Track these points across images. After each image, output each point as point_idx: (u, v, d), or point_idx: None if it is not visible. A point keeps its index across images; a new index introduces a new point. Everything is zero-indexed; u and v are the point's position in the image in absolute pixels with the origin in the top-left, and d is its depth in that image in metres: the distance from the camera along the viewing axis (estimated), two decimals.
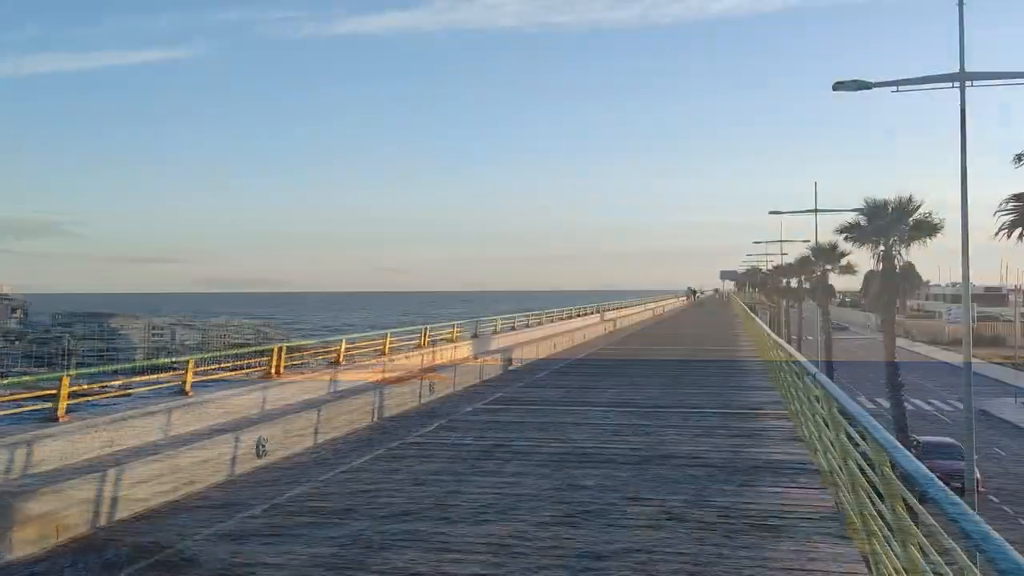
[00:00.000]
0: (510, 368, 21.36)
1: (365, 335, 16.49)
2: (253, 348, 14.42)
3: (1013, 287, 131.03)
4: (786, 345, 12.12)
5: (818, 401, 8.98)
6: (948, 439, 40.21)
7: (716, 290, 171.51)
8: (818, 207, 48.43)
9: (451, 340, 19.44)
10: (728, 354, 26.01)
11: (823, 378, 8.39)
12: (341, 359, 13.64)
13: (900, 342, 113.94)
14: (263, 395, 11.04)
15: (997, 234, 18.82)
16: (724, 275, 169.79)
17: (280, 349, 12.01)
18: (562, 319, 33.48)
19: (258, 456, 9.79)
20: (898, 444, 4.66)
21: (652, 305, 72.97)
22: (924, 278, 49.35)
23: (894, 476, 4.88)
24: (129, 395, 9.87)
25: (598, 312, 44.43)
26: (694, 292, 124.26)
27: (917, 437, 36.79)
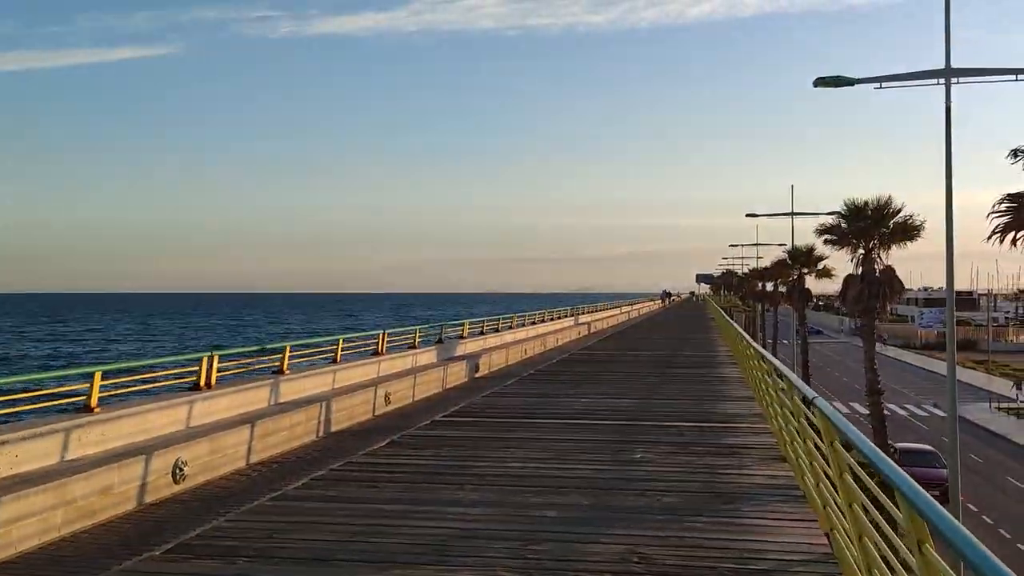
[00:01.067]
0: (477, 375, 20.25)
1: (313, 340, 15.30)
2: (183, 356, 13.09)
3: (986, 291, 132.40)
4: (774, 360, 11.09)
5: (798, 418, 8.00)
6: (927, 446, 39.63)
7: (692, 293, 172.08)
8: (795, 210, 47.87)
9: (412, 346, 18.29)
10: (705, 361, 25.07)
11: (827, 408, 7.39)
12: (286, 368, 12.44)
13: (863, 343, 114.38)
14: (188, 410, 9.82)
15: (990, 238, 18.01)
16: (700, 278, 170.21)
17: (212, 358, 10.79)
18: (534, 323, 32.47)
19: (175, 481, 8.61)
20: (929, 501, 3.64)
21: (628, 308, 72.24)
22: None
23: (913, 512, 3.87)
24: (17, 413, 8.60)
25: (572, 315, 43.46)
26: (668, 295, 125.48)
27: (894, 444, 36.09)
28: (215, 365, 10.81)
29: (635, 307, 76.37)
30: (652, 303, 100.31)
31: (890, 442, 33.87)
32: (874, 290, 27.17)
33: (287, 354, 12.56)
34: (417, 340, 18.68)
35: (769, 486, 8.98)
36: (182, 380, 10.89)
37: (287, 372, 12.45)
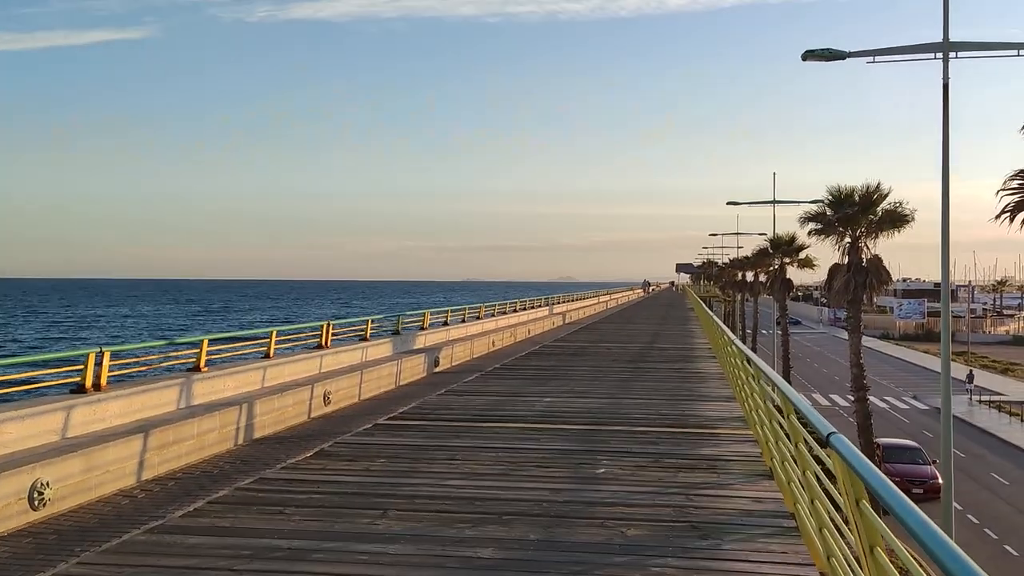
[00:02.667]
0: (436, 370, 18.68)
1: (243, 333, 13.64)
2: (59, 355, 11.28)
3: (966, 284, 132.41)
4: (762, 364, 9.60)
5: (784, 431, 6.53)
6: (910, 442, 38.52)
7: (672, 283, 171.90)
8: (777, 199, 46.59)
9: (364, 338, 16.66)
10: (682, 354, 23.64)
11: (846, 448, 5.90)
12: (203, 364, 10.79)
13: (845, 335, 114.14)
14: (64, 418, 8.17)
15: (998, 217, 16.63)
16: (680, 268, 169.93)
17: (101, 354, 9.12)
18: (504, 313, 30.88)
19: (32, 508, 6.99)
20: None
21: (606, 298, 70.89)
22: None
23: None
24: None
25: (547, 305, 41.91)
26: (649, 285, 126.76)
27: (877, 440, 34.88)
28: (106, 363, 9.15)
29: (613, 297, 74.98)
30: (632, 292, 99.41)
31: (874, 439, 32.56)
32: (860, 280, 25.84)
33: (204, 349, 10.91)
34: (369, 331, 17.07)
35: (754, 513, 7.52)
36: (66, 381, 9.24)
37: (204, 370, 10.83)
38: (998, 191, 16.10)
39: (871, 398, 53.67)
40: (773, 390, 7.71)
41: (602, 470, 9.28)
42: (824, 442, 3.66)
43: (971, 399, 55.81)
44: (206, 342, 10.97)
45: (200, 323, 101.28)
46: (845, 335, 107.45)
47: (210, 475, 8.85)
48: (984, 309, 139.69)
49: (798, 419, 6.47)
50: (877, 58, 18.62)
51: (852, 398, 27.28)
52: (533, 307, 37.79)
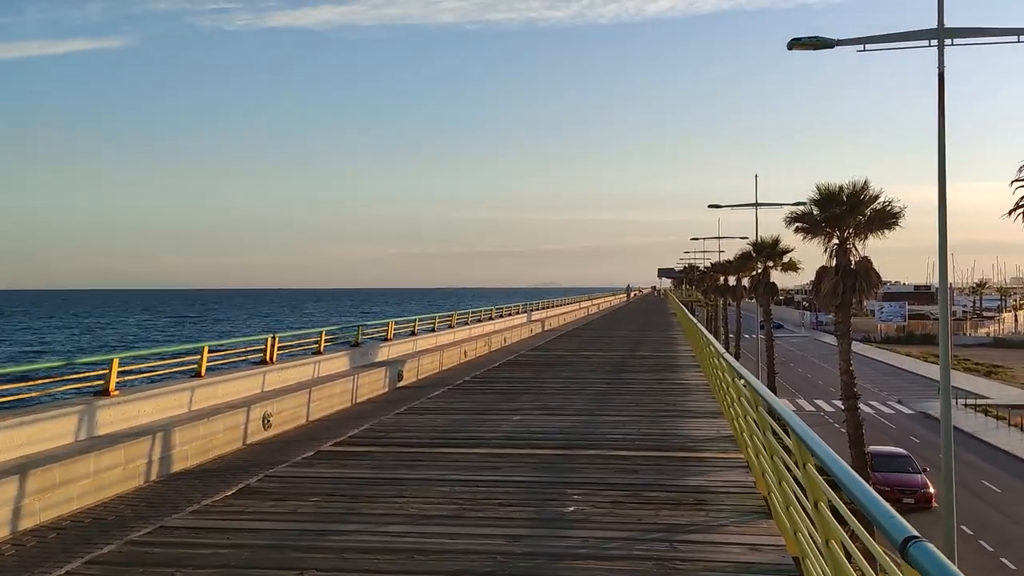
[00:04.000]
0: (399, 385, 17.24)
1: (171, 349, 12.16)
2: None
3: (949, 285, 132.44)
4: (753, 379, 8.29)
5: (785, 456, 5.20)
6: (900, 450, 37.43)
7: (654, 287, 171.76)
8: (759, 201, 45.57)
9: (317, 351, 15.20)
10: (664, 363, 22.33)
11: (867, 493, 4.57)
12: (112, 387, 9.31)
13: (828, 339, 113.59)
14: None
15: (1011, 213, 15.45)
16: (662, 272, 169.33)
17: None
18: (479, 321, 29.44)
19: None
20: None
21: (587, 304, 69.67)
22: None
23: None
24: None
25: (525, 312, 40.50)
26: (631, 290, 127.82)
27: (866, 448, 33.70)
28: None
29: (594, 302, 73.69)
30: (614, 297, 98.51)
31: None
32: (849, 284, 24.66)
33: (114, 369, 9.42)
34: (323, 344, 15.61)
35: (753, 568, 6.17)
36: None
37: (114, 393, 9.36)
38: (1013, 181, 14.89)
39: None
40: (779, 423, 6.34)
41: (572, 508, 7.91)
42: (902, 552, 2.29)
43: (956, 403, 54.79)
44: (116, 362, 9.48)
45: (144, 336, 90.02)
46: (828, 339, 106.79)
47: (103, 523, 7.41)
48: (964, 312, 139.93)
49: (820, 474, 5.13)
50: (868, 47, 17.42)
51: (842, 406, 26.05)
52: (510, 314, 36.38)
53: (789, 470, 6.36)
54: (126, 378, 10.13)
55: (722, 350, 10.53)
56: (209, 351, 11.67)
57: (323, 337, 15.76)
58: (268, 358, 13.50)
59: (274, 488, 8.74)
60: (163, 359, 10.96)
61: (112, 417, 9.04)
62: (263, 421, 11.47)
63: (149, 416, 9.68)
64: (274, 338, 13.63)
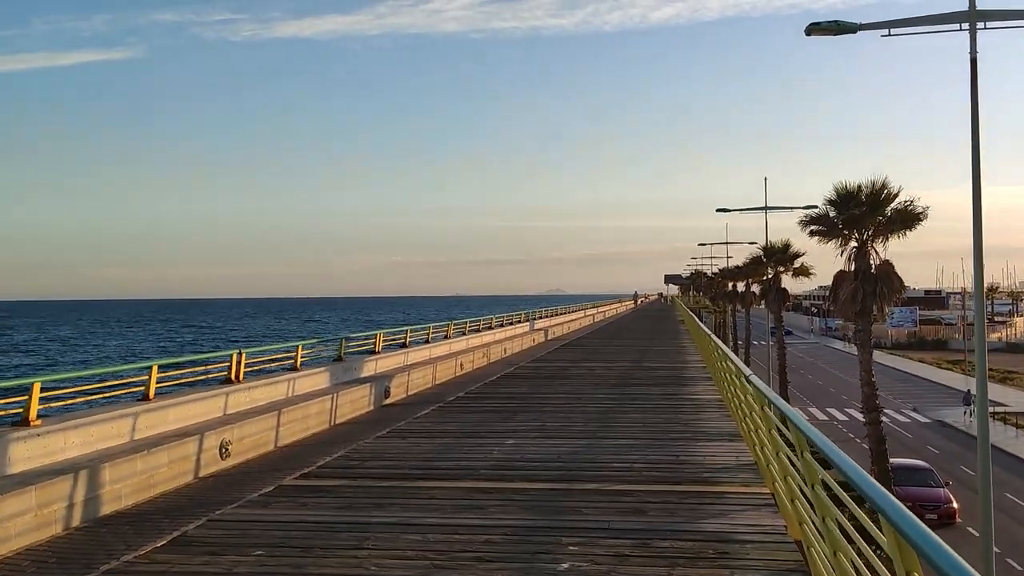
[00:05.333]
0: (386, 402, 15.87)
1: (118, 369, 10.79)
2: None
3: (961, 290, 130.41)
4: (781, 404, 6.91)
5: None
6: (920, 462, 35.80)
7: (660, 294, 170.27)
8: (769, 204, 44.11)
9: (294, 368, 13.83)
10: (673, 376, 20.88)
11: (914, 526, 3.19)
12: (33, 417, 7.95)
13: (837, 345, 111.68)
14: None
15: None
16: (668, 279, 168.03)
17: None
18: (478, 330, 28.02)
19: None
20: None
21: (592, 311, 68.23)
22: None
23: None
24: None
25: (527, 320, 39.04)
26: (638, 297, 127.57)
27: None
28: None
29: (600, 310, 72.15)
30: (620, 304, 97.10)
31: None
32: (869, 289, 23.21)
33: (35, 394, 8.03)
34: (299, 360, 14.24)
35: None
36: None
37: (35, 423, 8.00)
38: None
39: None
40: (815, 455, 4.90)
41: (567, 565, 6.52)
42: None
43: (969, 411, 52.86)
44: (37, 386, 8.08)
45: (92, 354, 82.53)
46: (837, 345, 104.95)
47: None
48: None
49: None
50: (893, 31, 16.05)
51: (860, 417, 24.53)
52: (511, 323, 34.89)
53: (839, 505, 4.96)
54: (53, 404, 8.82)
55: (743, 367, 9.11)
56: (163, 370, 10.33)
57: (299, 351, 14.39)
58: (233, 376, 12.15)
59: (214, 537, 7.36)
60: (101, 381, 9.60)
61: (30, 452, 7.70)
62: (220, 450, 10.11)
63: (78, 449, 8.34)
64: (240, 354, 12.26)
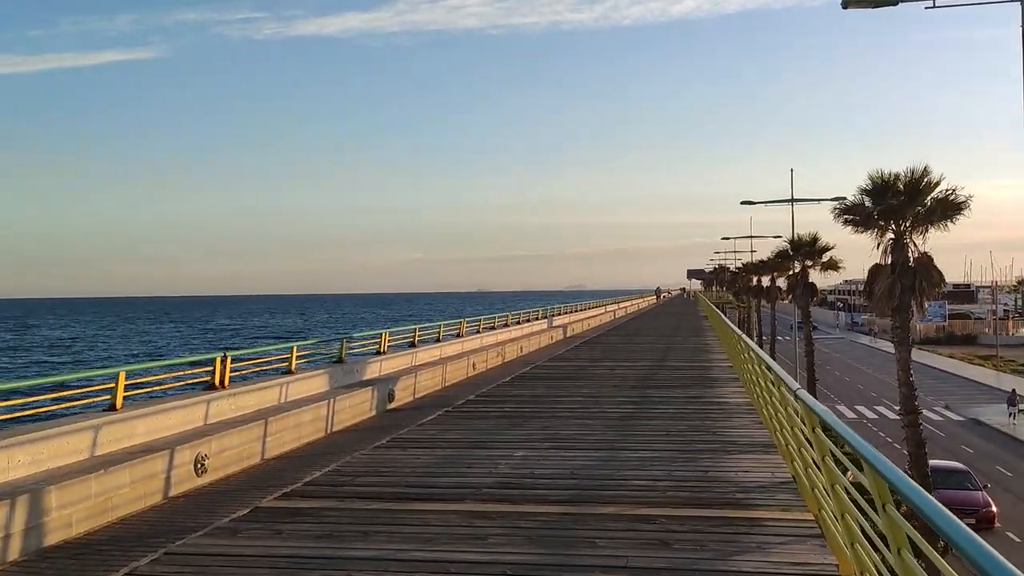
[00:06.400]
0: (390, 407, 14.82)
1: (86, 375, 9.80)
2: None
3: (992, 283, 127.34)
4: (834, 419, 5.72)
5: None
6: (957, 464, 34.30)
7: (683, 289, 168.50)
8: (795, 197, 42.64)
9: (288, 371, 12.81)
10: (698, 377, 19.65)
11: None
12: None
13: (864, 340, 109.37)
14: None
15: None
16: (691, 274, 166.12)
17: None
18: (492, 328, 26.91)
19: None
20: None
21: (614, 307, 66.91)
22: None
23: None
24: None
25: (546, 317, 37.87)
26: (661, 292, 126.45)
27: None
28: None
29: (622, 306, 70.77)
30: (642, 299, 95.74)
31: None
32: (908, 283, 21.81)
33: None
34: (294, 363, 13.21)
35: None
36: None
37: None
38: None
39: (899, 408, 49.57)
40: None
41: None
42: None
43: (1016, 412, 50.88)
44: None
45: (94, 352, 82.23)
46: (863, 340, 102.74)
47: None
48: (1005, 310, 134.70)
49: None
50: (938, 2, 14.73)
51: (901, 422, 23.15)
52: (528, 320, 33.73)
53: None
54: (3, 417, 7.84)
55: (789, 379, 7.89)
56: (134, 376, 9.30)
57: (294, 353, 13.36)
58: (217, 382, 11.13)
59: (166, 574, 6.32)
60: (64, 389, 8.63)
61: None
62: (195, 465, 9.08)
63: (24, 469, 7.35)
64: (226, 357, 11.23)
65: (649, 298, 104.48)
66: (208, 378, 11.16)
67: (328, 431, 12.65)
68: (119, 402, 9.14)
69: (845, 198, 25.58)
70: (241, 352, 12.71)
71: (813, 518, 7.44)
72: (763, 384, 11.15)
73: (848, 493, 5.64)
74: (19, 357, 74.66)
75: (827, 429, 5.88)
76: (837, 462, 5.93)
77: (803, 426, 7.29)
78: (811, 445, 6.31)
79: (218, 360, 11.13)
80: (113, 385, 9.05)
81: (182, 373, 11.22)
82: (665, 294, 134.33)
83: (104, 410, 9.09)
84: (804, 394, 6.35)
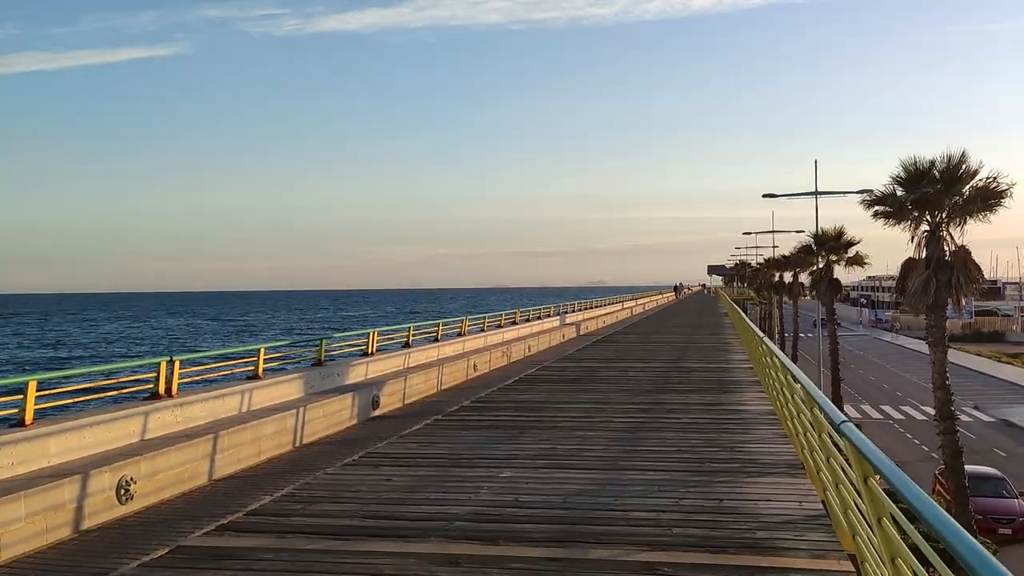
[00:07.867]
0: (374, 414, 13.41)
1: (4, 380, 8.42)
2: None
3: (1019, 279, 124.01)
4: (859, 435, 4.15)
5: None
6: (990, 470, 32.41)
7: (703, 285, 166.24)
8: (819, 189, 40.77)
9: (254, 376, 11.40)
10: (716, 382, 18.06)
11: None
12: None
13: (887, 337, 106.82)
14: None
15: None
16: (712, 270, 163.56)
17: None
18: (499, 326, 25.43)
19: None
20: None
21: (631, 303, 65.21)
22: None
23: None
24: None
25: (558, 314, 36.31)
26: (680, 288, 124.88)
27: None
28: None
29: (639, 302, 69.00)
30: (661, 296, 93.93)
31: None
32: (944, 279, 20.10)
33: None
34: (261, 365, 11.81)
35: None
36: None
37: None
38: None
39: (927, 408, 47.54)
40: None
41: None
42: None
43: None
44: None
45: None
46: (887, 337, 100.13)
47: None
48: None
49: None
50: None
51: (936, 428, 21.43)
52: (539, 317, 32.19)
53: None
54: None
55: (833, 410, 6.34)
56: (48, 386, 7.92)
57: (261, 356, 11.96)
58: (162, 390, 9.75)
59: None
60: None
61: None
62: (118, 491, 7.72)
63: None
64: (173, 362, 9.81)
65: (668, 294, 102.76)
66: (152, 386, 9.78)
67: (296, 444, 11.27)
68: (29, 416, 7.78)
69: (872, 190, 23.90)
70: (199, 356, 11.33)
71: (854, 571, 5.94)
72: (787, 395, 9.62)
73: (907, 562, 4.14)
74: None
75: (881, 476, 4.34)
76: (892, 519, 4.42)
77: (842, 459, 5.78)
78: (859, 494, 4.79)
79: (163, 364, 9.72)
80: (21, 397, 7.70)
81: (125, 380, 9.85)
82: (685, 290, 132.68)
83: (11, 427, 7.75)
84: (852, 430, 4.80)
